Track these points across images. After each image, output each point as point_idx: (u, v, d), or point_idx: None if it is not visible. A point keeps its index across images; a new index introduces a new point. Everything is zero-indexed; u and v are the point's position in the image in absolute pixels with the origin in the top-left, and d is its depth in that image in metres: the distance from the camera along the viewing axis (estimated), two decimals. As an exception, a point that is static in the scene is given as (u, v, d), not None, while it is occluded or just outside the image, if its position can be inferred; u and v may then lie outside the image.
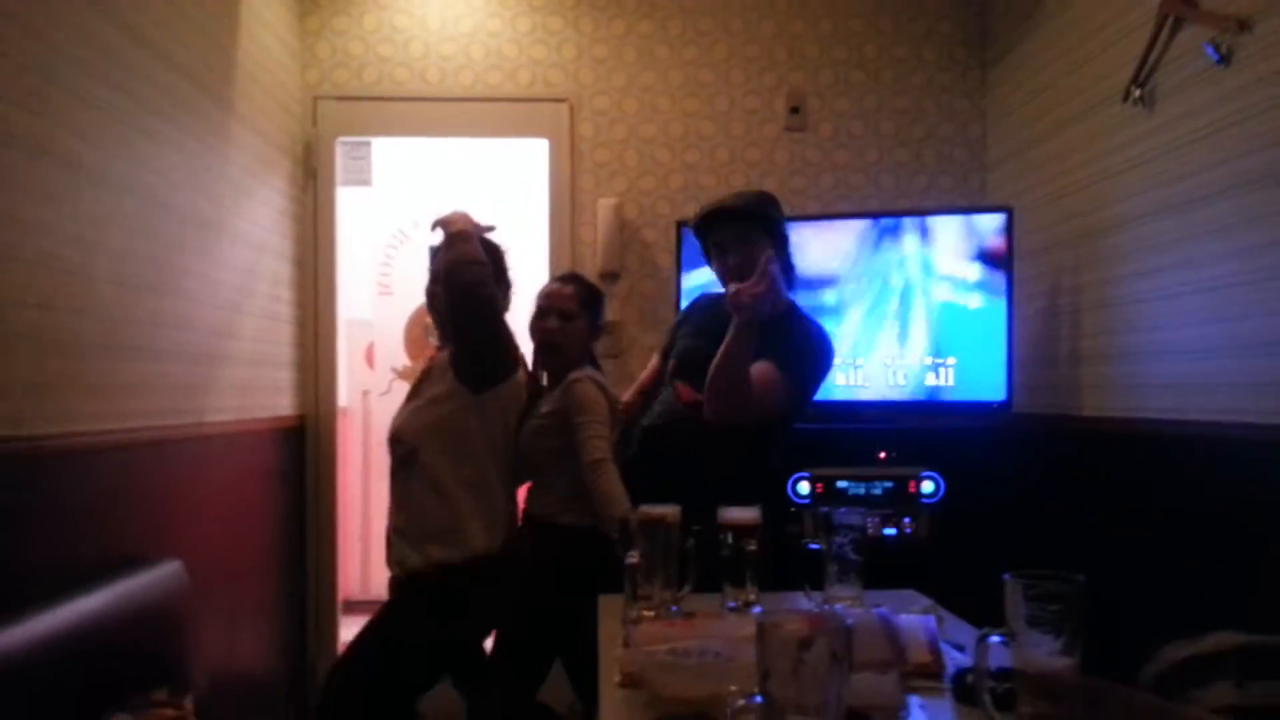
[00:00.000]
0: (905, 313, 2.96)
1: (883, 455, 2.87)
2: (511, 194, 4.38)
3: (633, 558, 1.54)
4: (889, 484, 2.80)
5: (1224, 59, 2.16)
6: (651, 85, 3.47)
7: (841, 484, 2.81)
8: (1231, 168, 2.16)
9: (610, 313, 3.17)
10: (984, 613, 1.17)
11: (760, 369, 2.12)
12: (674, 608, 1.55)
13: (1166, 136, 2.40)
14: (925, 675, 1.26)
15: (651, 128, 3.46)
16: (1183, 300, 2.34)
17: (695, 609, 1.56)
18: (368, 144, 4.13)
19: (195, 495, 2.43)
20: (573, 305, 2.48)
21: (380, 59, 3.43)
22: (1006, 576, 1.00)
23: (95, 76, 1.98)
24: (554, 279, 2.64)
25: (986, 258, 2.90)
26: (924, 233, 2.97)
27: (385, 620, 2.40)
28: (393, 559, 2.40)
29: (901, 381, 2.95)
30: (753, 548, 1.61)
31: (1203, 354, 2.26)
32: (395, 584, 2.43)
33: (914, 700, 1.20)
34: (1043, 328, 3.06)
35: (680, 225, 3.16)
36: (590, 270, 3.26)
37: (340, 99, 3.41)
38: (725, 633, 1.32)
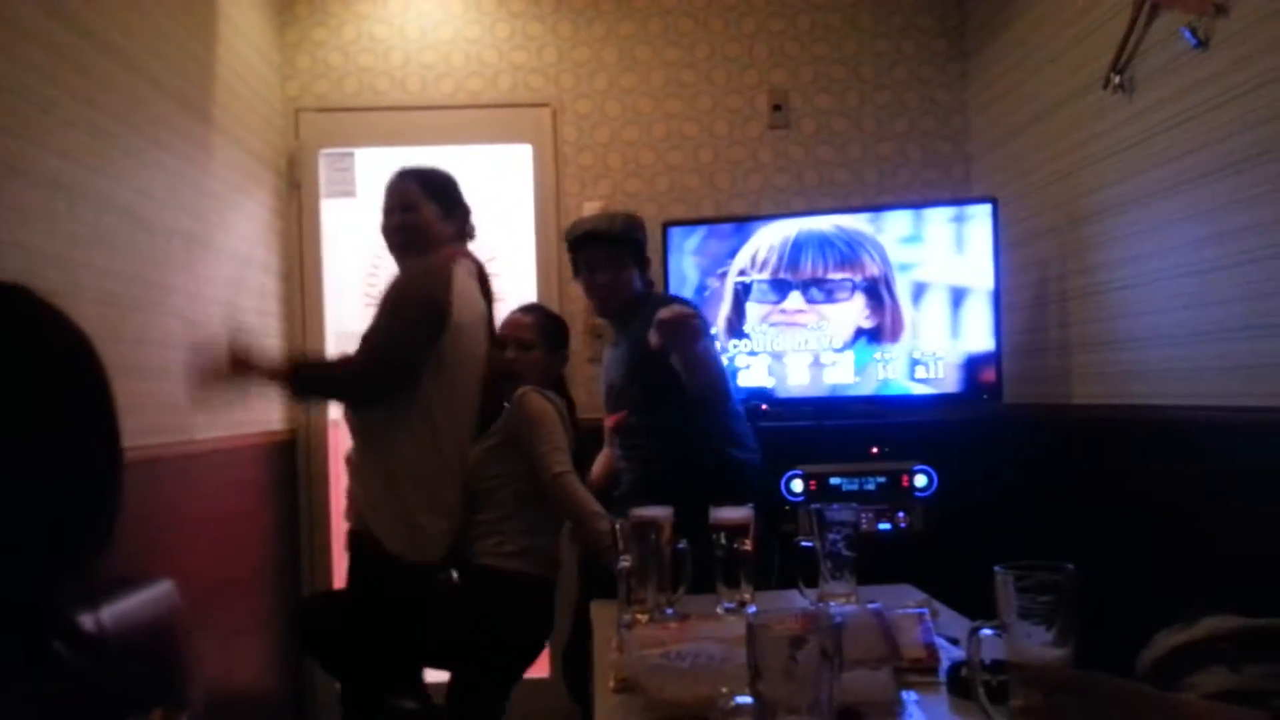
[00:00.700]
0: (893, 307, 2.96)
1: (875, 450, 2.87)
2: (497, 200, 4.37)
3: (625, 562, 1.53)
4: (882, 479, 2.81)
5: (1202, 43, 2.16)
6: (633, 87, 3.47)
7: (834, 480, 2.81)
8: (1212, 151, 2.16)
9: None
10: (980, 605, 1.17)
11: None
12: (668, 610, 1.55)
13: (1147, 122, 2.40)
14: (920, 670, 1.26)
15: (634, 130, 3.46)
16: (1166, 285, 2.35)
17: (689, 610, 1.56)
18: (351, 155, 4.11)
19: (186, 513, 2.41)
20: (530, 335, 2.46)
21: (360, 69, 3.42)
22: (997, 568, 1.00)
23: (72, 94, 1.97)
24: (515, 309, 2.59)
25: (972, 249, 2.91)
26: (909, 226, 2.98)
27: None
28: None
29: (892, 376, 2.95)
30: (747, 547, 1.61)
31: (1188, 339, 2.27)
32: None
33: (909, 695, 1.19)
34: (1031, 317, 3.06)
35: (666, 226, 3.16)
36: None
37: (322, 110, 3.40)
38: (719, 635, 1.31)
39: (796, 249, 3.03)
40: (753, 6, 3.49)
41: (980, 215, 2.90)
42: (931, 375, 2.93)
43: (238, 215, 2.90)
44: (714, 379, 2.33)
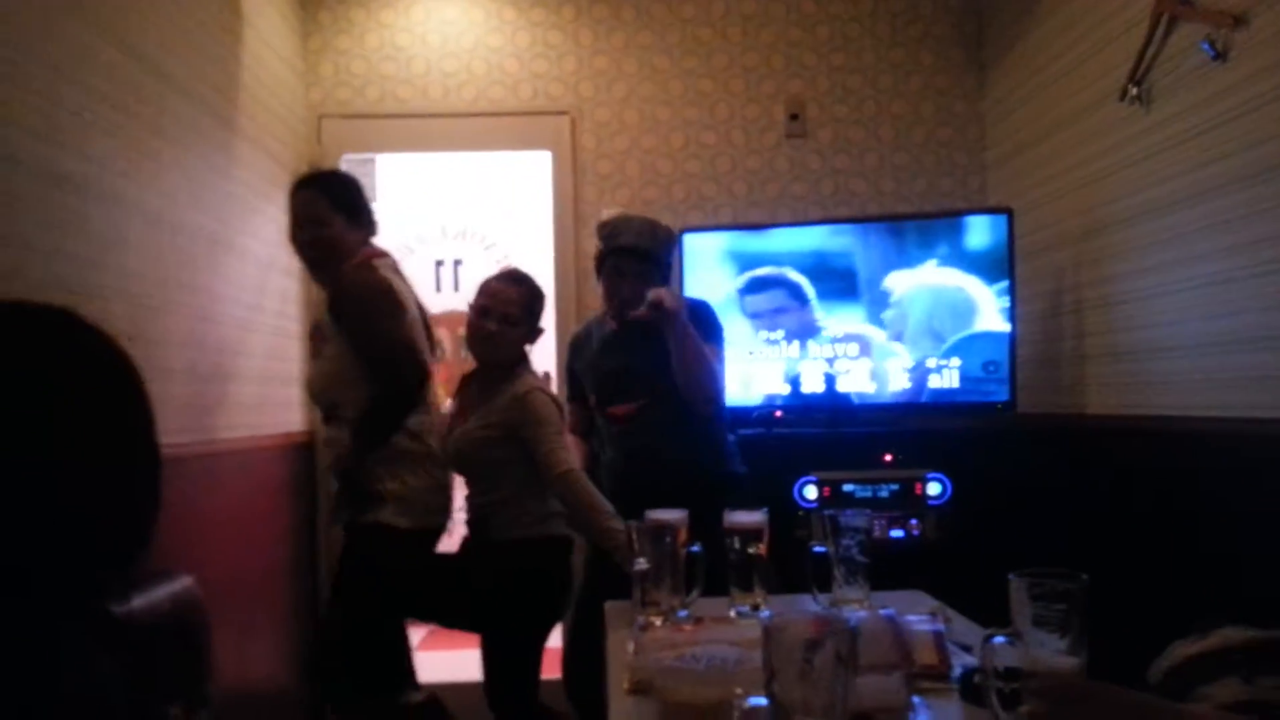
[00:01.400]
0: (908, 315, 2.97)
1: (889, 458, 2.88)
2: (516, 207, 4.41)
3: (641, 564, 1.55)
4: (895, 486, 2.81)
5: (1220, 55, 2.17)
6: (652, 96, 3.49)
7: (848, 487, 2.82)
8: (1229, 163, 2.17)
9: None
10: (992, 613, 1.18)
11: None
12: (682, 613, 1.56)
13: (1164, 134, 2.41)
14: (932, 676, 1.27)
15: (653, 138, 3.49)
16: (1183, 296, 2.35)
17: (703, 614, 1.57)
18: (373, 161, 4.15)
19: (207, 512, 2.45)
20: (516, 310, 2.36)
21: (383, 77, 3.46)
22: (1011, 576, 1.01)
23: (100, 99, 2.01)
24: (499, 276, 2.44)
25: (988, 259, 2.91)
26: (925, 236, 2.99)
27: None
28: None
29: (906, 384, 2.96)
30: (760, 551, 1.63)
31: (1204, 350, 2.27)
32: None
33: (920, 701, 1.20)
34: (1045, 327, 3.06)
35: (683, 233, 3.17)
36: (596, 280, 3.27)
37: (344, 117, 3.45)
38: (733, 637, 1.33)
39: (812, 257, 3.04)
40: (771, 17, 3.51)
41: (996, 225, 2.91)
42: (946, 384, 2.93)
43: (261, 219, 2.94)
44: (702, 378, 2.35)
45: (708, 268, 3.10)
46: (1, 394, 0.75)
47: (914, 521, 2.78)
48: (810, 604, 1.60)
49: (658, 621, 1.52)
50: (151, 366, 2.20)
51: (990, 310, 2.89)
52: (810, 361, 3.02)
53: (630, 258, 2.43)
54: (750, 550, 1.61)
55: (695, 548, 1.61)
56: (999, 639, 1.02)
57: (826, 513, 1.59)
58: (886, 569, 1.65)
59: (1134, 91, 2.48)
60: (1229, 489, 2.16)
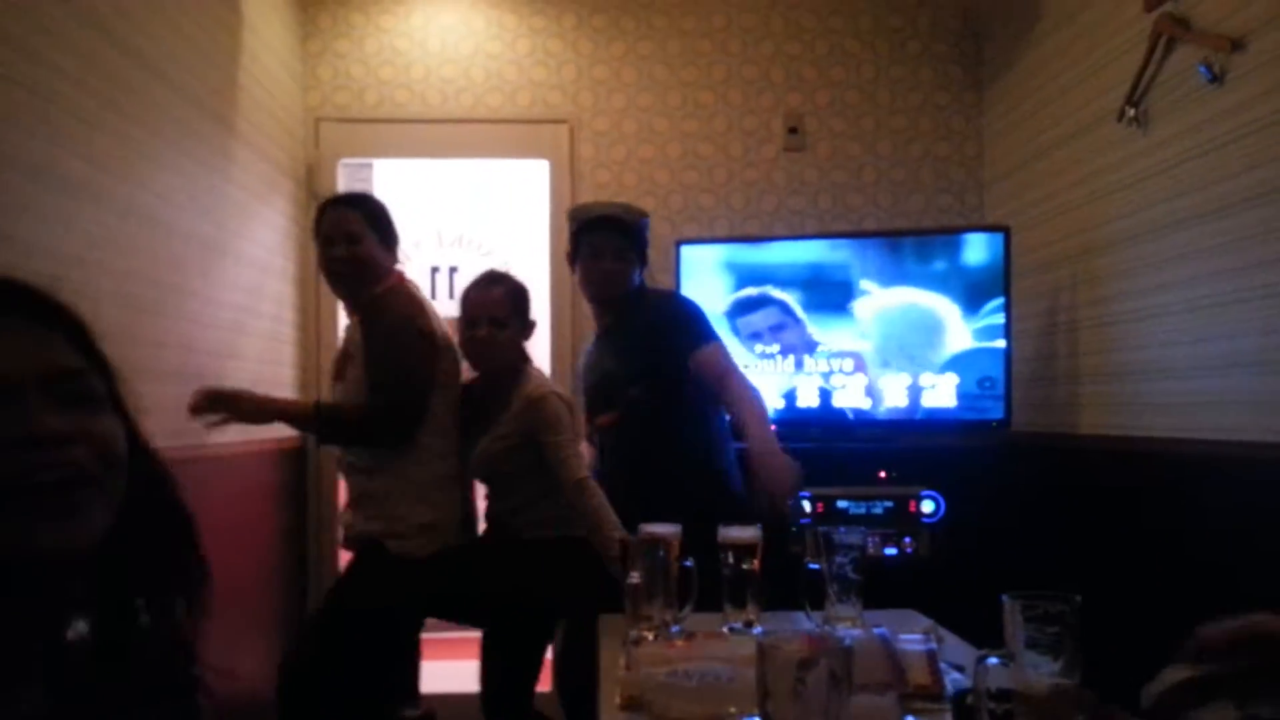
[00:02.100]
0: (902, 332, 2.97)
1: (883, 475, 2.87)
2: (514, 214, 4.40)
3: (634, 578, 1.54)
4: (889, 503, 2.81)
5: (1217, 78, 2.18)
6: (650, 106, 3.49)
7: (842, 503, 2.81)
8: (1225, 186, 2.17)
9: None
10: (985, 633, 1.18)
11: (707, 355, 2.40)
12: (675, 628, 1.55)
13: (1161, 156, 2.42)
14: (925, 696, 1.26)
15: (650, 148, 3.49)
16: (1178, 318, 2.35)
17: (696, 629, 1.56)
18: (370, 166, 4.15)
19: (198, 516, 2.42)
20: (503, 312, 2.34)
21: (381, 81, 3.45)
22: (1004, 597, 1.01)
23: (97, 99, 2.00)
24: (476, 283, 2.42)
25: (984, 277, 2.92)
26: (921, 252, 2.99)
27: None
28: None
29: (901, 401, 2.96)
30: (754, 567, 1.62)
31: (1199, 372, 2.27)
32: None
33: (913, 721, 1.20)
34: (1040, 346, 3.07)
35: (679, 244, 3.18)
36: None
37: (342, 121, 3.44)
38: (726, 654, 1.32)
39: (808, 271, 3.04)
40: (770, 30, 3.52)
41: (992, 243, 2.91)
42: (940, 401, 2.93)
43: (257, 222, 2.93)
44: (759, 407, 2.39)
45: (703, 280, 3.10)
46: None
47: (907, 539, 2.77)
48: (803, 621, 1.59)
49: (650, 636, 1.51)
50: (144, 368, 2.18)
51: (986, 328, 2.90)
52: (806, 377, 3.02)
53: (607, 231, 2.41)
54: (744, 566, 1.60)
55: (688, 562, 1.60)
56: (992, 660, 1.02)
57: (821, 530, 1.58)
58: (879, 587, 1.64)
59: (1131, 113, 2.49)
60: (1223, 511, 2.16)
